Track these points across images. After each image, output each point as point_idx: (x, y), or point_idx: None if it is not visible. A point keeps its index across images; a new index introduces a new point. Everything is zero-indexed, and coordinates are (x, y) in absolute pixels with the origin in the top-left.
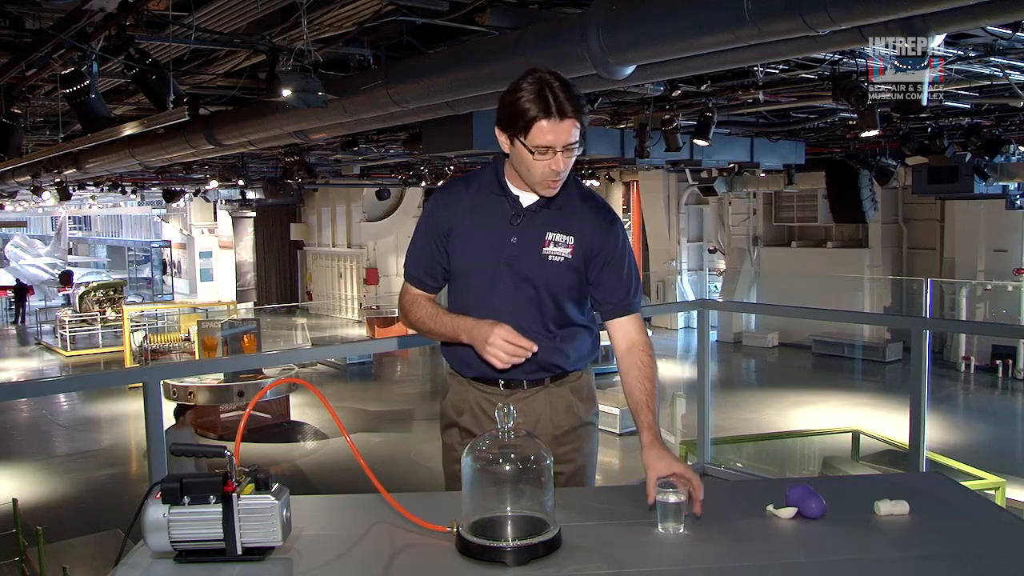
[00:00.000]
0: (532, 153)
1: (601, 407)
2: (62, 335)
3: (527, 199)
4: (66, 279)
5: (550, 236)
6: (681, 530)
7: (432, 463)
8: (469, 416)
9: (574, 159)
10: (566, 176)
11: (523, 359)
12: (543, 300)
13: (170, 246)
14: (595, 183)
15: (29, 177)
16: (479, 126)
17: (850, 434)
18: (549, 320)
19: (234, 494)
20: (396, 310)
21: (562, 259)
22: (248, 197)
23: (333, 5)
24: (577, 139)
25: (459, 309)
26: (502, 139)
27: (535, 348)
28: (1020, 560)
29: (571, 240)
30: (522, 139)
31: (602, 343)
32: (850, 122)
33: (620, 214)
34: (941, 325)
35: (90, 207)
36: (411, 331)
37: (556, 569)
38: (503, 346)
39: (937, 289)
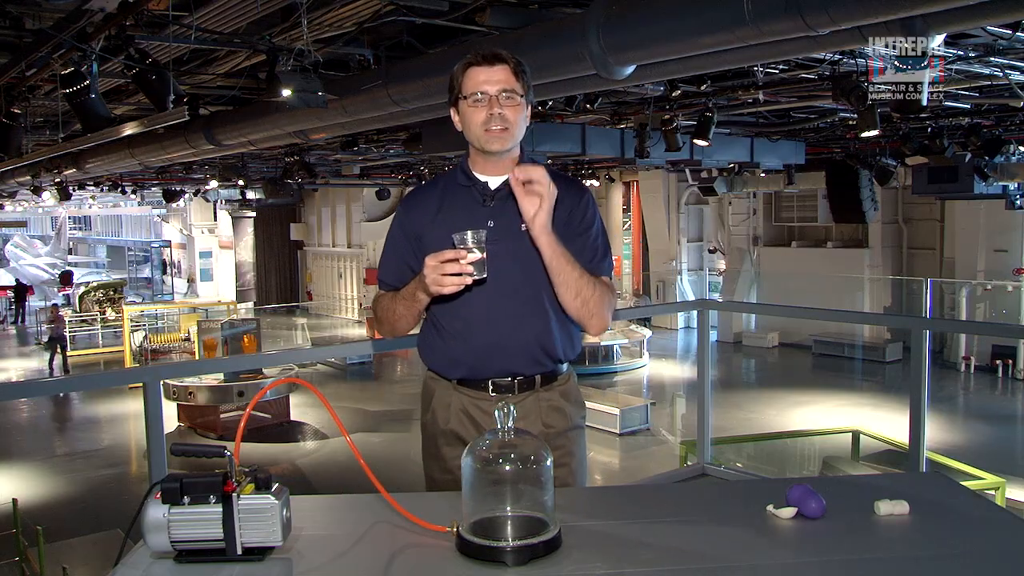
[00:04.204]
0: (467, 101)
1: (601, 407)
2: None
3: (495, 182)
4: (66, 279)
5: None
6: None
7: None
8: (456, 422)
9: (522, 114)
10: (517, 135)
11: (462, 270)
12: (534, 278)
13: (170, 246)
14: (595, 183)
15: (29, 177)
16: None
17: (850, 434)
18: (543, 297)
19: (234, 494)
20: None
21: None
22: (248, 197)
23: (333, 5)
24: (517, 89)
25: (445, 310)
26: (455, 119)
27: (466, 255)
28: (1020, 560)
29: None
30: (461, 97)
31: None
32: (850, 122)
33: (620, 214)
34: (941, 325)
35: (90, 207)
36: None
37: (556, 569)
38: (434, 266)
39: (937, 289)
